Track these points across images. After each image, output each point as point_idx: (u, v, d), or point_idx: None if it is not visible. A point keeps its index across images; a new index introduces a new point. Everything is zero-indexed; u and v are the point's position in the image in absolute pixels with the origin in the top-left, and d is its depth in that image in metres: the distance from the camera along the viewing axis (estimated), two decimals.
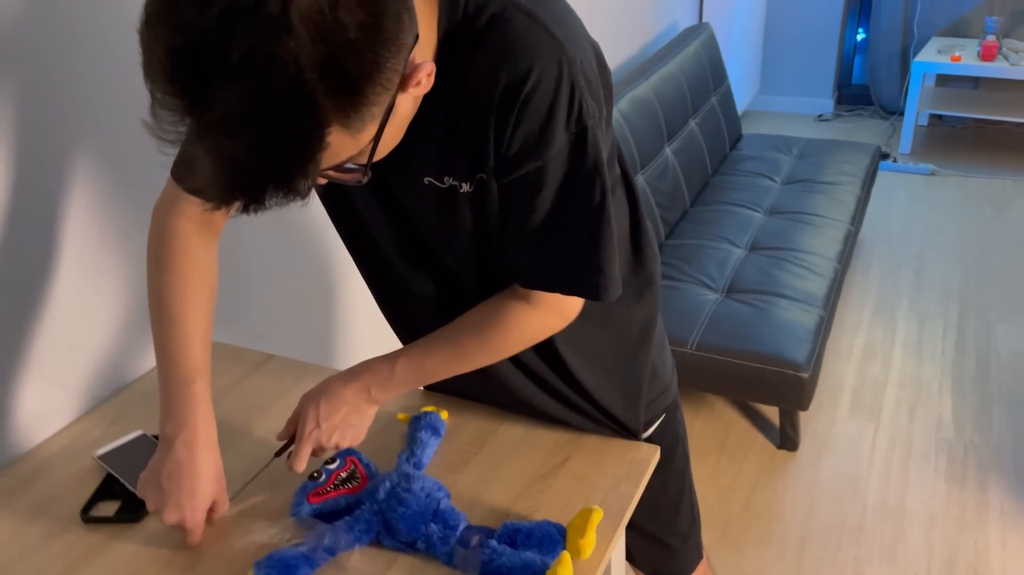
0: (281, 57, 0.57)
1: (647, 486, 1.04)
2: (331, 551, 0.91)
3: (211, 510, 0.95)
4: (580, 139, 0.81)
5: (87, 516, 0.99)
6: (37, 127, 1.07)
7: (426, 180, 0.88)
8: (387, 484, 0.95)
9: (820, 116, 4.78)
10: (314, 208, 1.60)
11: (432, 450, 1.06)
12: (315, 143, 0.63)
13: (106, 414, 1.19)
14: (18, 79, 1.03)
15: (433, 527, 0.92)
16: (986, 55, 3.95)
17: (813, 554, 1.92)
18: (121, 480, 1.03)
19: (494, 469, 1.05)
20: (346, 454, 1.03)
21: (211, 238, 1.01)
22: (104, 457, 1.07)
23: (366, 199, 0.96)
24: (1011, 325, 2.76)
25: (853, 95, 4.91)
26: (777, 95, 4.86)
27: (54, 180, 1.11)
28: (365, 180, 0.74)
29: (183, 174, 0.94)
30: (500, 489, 1.01)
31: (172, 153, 0.66)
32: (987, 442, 2.24)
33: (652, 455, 1.06)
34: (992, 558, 1.88)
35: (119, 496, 1.02)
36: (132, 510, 0.99)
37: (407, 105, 0.75)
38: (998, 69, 3.92)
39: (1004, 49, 4.02)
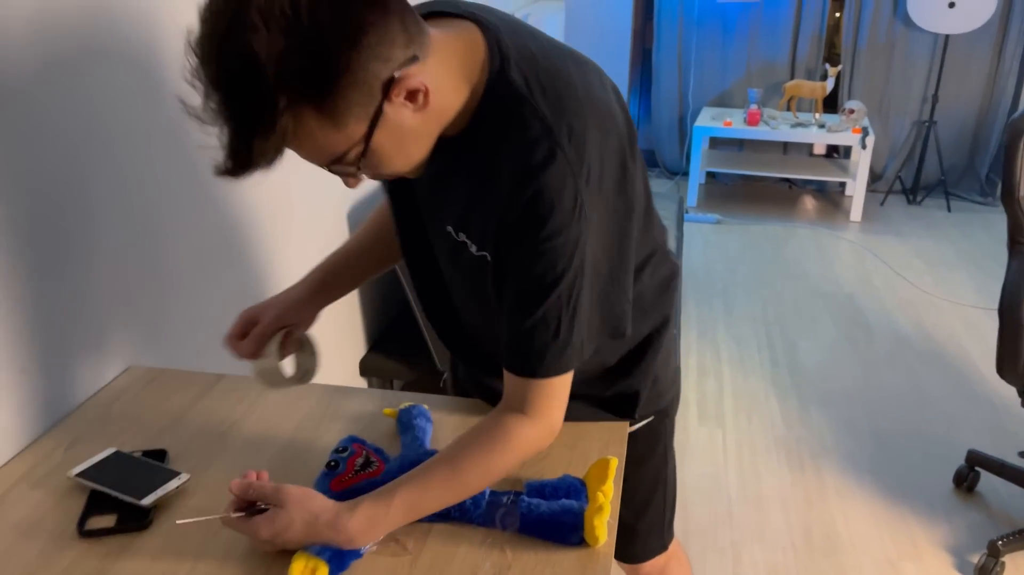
0: (238, 43, 0.71)
1: (626, 476, 1.12)
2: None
3: None
4: (569, 242, 0.86)
5: (85, 530, 0.93)
6: None
7: (447, 228, 0.97)
8: (411, 462, 0.99)
9: None
10: (240, 223, 1.60)
11: (429, 436, 1.11)
12: (267, 114, 0.73)
13: (60, 437, 1.11)
14: None
15: None
16: (751, 121, 4.63)
17: (697, 543, 2.11)
18: (112, 492, 0.97)
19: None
20: (351, 441, 1.05)
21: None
22: (83, 475, 1.00)
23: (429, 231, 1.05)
24: (808, 340, 3.22)
25: None
26: None
27: None
28: (356, 180, 0.87)
29: None
30: None
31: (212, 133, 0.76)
32: (811, 435, 2.60)
33: (624, 427, 1.16)
34: (839, 526, 2.18)
35: (113, 509, 0.96)
36: (134, 519, 0.94)
37: (407, 120, 0.81)
38: (762, 132, 4.60)
39: (764, 116, 4.72)
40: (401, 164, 0.87)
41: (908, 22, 4.60)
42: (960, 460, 2.37)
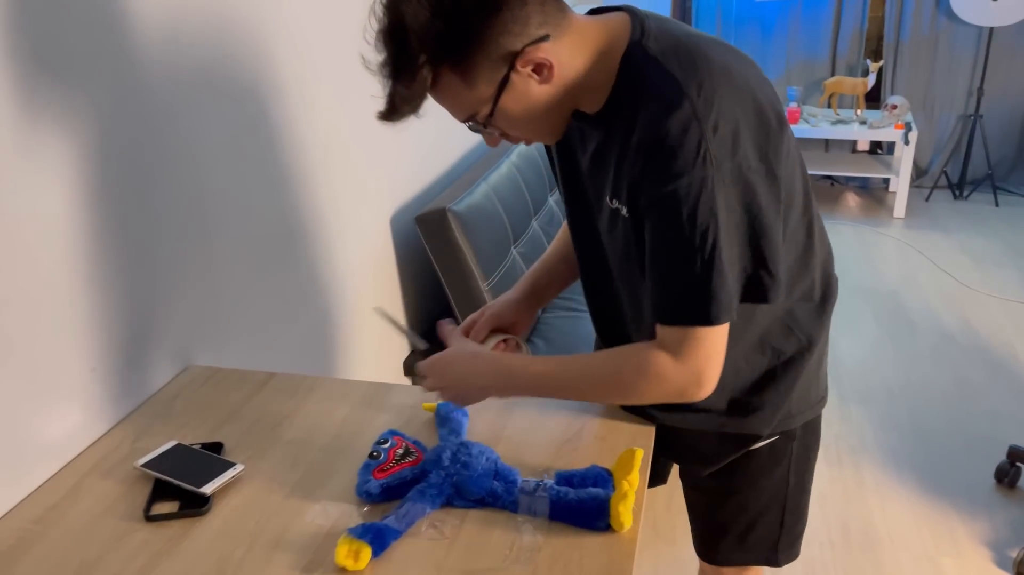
0: (396, 11, 0.88)
1: (741, 489, 1.25)
2: (412, 519, 1.00)
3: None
4: (695, 185, 0.88)
5: (150, 515, 1.01)
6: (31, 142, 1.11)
7: (606, 199, 1.02)
8: (448, 452, 1.06)
9: None
10: (296, 229, 1.67)
11: (465, 428, 1.18)
12: (409, 66, 0.88)
13: (127, 431, 1.20)
14: None
15: (496, 483, 1.04)
16: (791, 119, 4.61)
17: None
18: (175, 481, 1.06)
19: (525, 439, 1.17)
20: (391, 434, 1.12)
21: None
22: (148, 465, 1.09)
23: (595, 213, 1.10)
24: (849, 338, 3.21)
25: None
26: None
27: (62, 197, 1.14)
28: (493, 139, 1.02)
29: None
30: (536, 452, 1.13)
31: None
32: (851, 431, 2.60)
33: (650, 430, 1.19)
34: (877, 522, 2.19)
35: (176, 496, 1.05)
36: (195, 505, 1.03)
37: (533, 90, 0.93)
38: (802, 130, 4.58)
39: (804, 114, 4.70)
40: (526, 129, 1.00)
41: (951, 15, 4.54)
42: (1003, 456, 2.36)
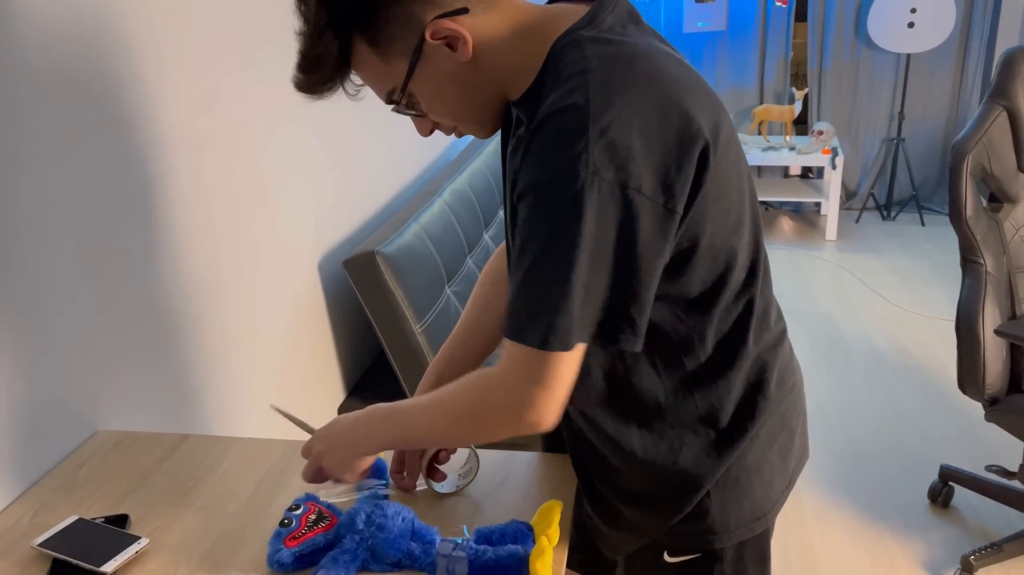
0: None
1: None
2: None
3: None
4: (566, 191, 0.77)
5: None
6: None
7: (513, 199, 0.89)
8: (362, 515, 1.02)
9: None
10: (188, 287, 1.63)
11: (385, 490, 1.14)
12: (314, 29, 0.85)
13: (27, 506, 1.14)
14: None
15: (413, 545, 1.01)
16: None
17: None
18: (73, 560, 1.00)
19: (444, 496, 1.14)
20: (306, 500, 1.08)
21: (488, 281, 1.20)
22: (45, 544, 1.03)
23: None
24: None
25: None
26: None
27: None
28: (423, 125, 0.95)
29: None
30: (457, 508, 1.11)
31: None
32: None
33: (573, 478, 1.16)
34: (816, 548, 2.21)
35: None
36: None
37: (447, 66, 0.86)
38: None
39: None
40: (447, 111, 0.92)
41: (870, 43, 4.71)
42: (935, 476, 2.40)
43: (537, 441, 1.27)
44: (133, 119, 1.41)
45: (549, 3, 0.93)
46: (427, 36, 0.84)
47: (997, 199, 2.05)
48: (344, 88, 0.93)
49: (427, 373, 1.19)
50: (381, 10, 0.84)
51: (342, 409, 2.33)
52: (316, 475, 1.06)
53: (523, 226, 0.82)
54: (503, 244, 1.13)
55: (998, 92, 1.98)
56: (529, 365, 0.83)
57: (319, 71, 0.88)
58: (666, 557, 1.05)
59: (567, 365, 0.84)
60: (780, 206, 5.29)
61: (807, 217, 5.11)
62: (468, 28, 0.85)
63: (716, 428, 0.97)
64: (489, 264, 1.22)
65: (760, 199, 4.99)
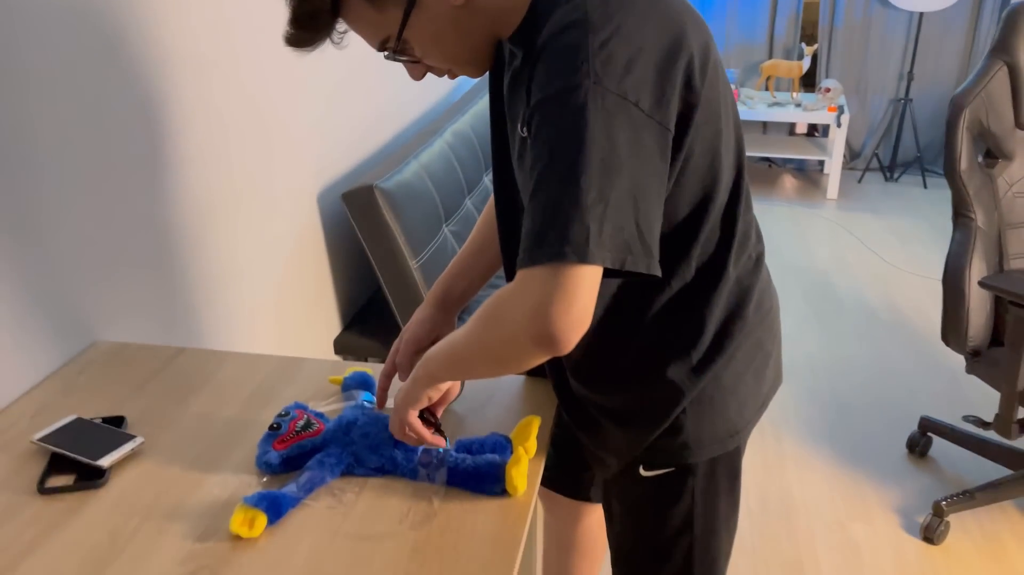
0: None
1: (641, 510, 1.13)
2: (309, 487, 1.01)
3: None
4: (571, 104, 0.78)
5: (45, 488, 1.01)
6: None
7: (520, 130, 0.89)
8: (348, 421, 1.07)
9: None
10: (184, 209, 1.65)
11: (372, 399, 1.19)
12: None
13: (26, 407, 1.19)
14: None
15: (396, 452, 1.05)
16: None
17: None
18: (71, 454, 1.05)
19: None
20: (295, 407, 1.13)
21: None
22: (44, 439, 1.08)
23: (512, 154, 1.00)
24: None
25: None
26: None
27: None
28: (416, 70, 0.95)
29: None
30: (442, 422, 1.15)
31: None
32: (774, 405, 2.68)
33: (553, 399, 1.20)
34: (794, 491, 2.27)
35: (71, 470, 1.04)
36: (90, 478, 1.02)
37: (444, 11, 0.88)
38: (739, 112, 4.65)
39: (742, 96, 4.78)
40: (442, 56, 0.93)
41: (883, 1, 4.64)
42: (915, 427, 2.45)
43: None
44: (139, 39, 1.42)
45: None
46: None
47: (993, 155, 2.07)
48: (331, 38, 0.93)
49: (435, 285, 1.23)
50: None
51: (338, 341, 2.37)
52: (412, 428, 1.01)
53: (532, 145, 0.82)
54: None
55: (1000, 47, 1.98)
56: (545, 280, 0.78)
57: (311, 27, 0.89)
58: (642, 471, 1.10)
59: (585, 281, 0.78)
60: (784, 163, 5.27)
61: (810, 175, 5.10)
62: None
63: (696, 346, 1.01)
64: (485, 215, 1.24)
65: (764, 156, 4.98)
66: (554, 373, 1.15)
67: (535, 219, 0.79)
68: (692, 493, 1.09)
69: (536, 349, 0.81)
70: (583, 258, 0.77)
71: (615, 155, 0.78)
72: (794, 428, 2.56)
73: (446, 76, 0.99)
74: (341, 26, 0.94)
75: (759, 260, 1.07)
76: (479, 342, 0.88)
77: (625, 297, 1.00)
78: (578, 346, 1.06)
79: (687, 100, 0.85)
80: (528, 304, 0.79)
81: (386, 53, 0.93)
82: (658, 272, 0.83)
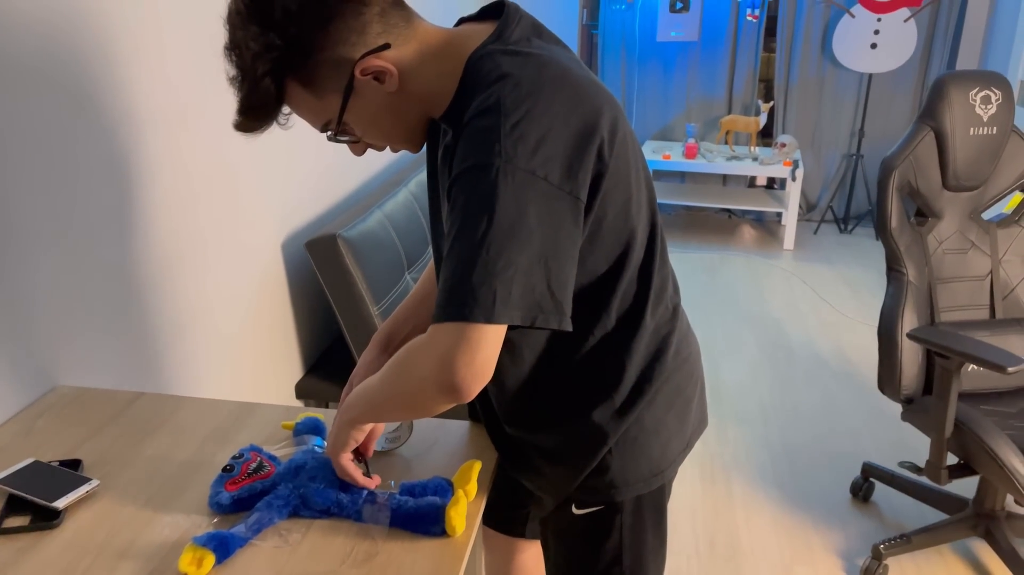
0: (232, 28, 0.93)
1: (577, 551, 1.21)
2: (258, 528, 1.06)
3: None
4: (484, 179, 0.86)
5: (0, 528, 1.05)
6: None
7: (446, 200, 0.97)
8: (296, 465, 1.12)
9: None
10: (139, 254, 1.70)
11: (323, 444, 1.24)
12: (251, 77, 0.93)
13: None
14: None
15: (342, 495, 1.11)
16: (689, 154, 4.85)
17: None
18: (27, 496, 1.09)
19: (377, 456, 1.24)
20: (250, 449, 1.18)
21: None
22: (2, 481, 1.12)
23: None
24: (731, 362, 3.39)
25: None
26: None
27: None
28: (357, 148, 1.03)
29: None
30: (389, 467, 1.21)
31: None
32: (726, 450, 2.76)
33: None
34: (741, 534, 2.34)
35: (28, 511, 1.08)
36: (46, 518, 1.07)
37: (378, 97, 0.96)
38: (699, 165, 4.82)
39: (702, 150, 4.95)
40: (381, 135, 1.02)
41: (835, 61, 4.87)
42: (859, 472, 2.54)
43: (465, 411, 1.37)
44: (107, 92, 1.49)
45: (456, 26, 1.04)
46: (357, 73, 0.94)
47: (923, 214, 2.19)
48: (277, 121, 1.01)
49: (380, 329, 1.29)
50: (313, 56, 0.92)
51: (299, 386, 2.42)
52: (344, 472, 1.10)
53: (450, 213, 0.90)
54: None
55: (927, 113, 2.12)
56: (451, 334, 0.87)
57: (259, 116, 0.97)
58: (574, 509, 1.17)
59: (488, 337, 0.87)
60: (743, 214, 5.44)
61: (768, 226, 5.26)
62: (392, 61, 0.95)
63: (619, 390, 1.09)
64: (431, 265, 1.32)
65: (725, 207, 5.14)
66: (488, 420, 1.22)
67: (448, 279, 0.88)
68: (620, 529, 1.17)
69: (441, 397, 0.91)
70: (488, 318, 0.86)
71: (524, 224, 0.87)
72: (745, 472, 2.63)
73: (387, 149, 1.08)
74: (286, 109, 1.01)
75: (676, 310, 1.16)
76: (391, 389, 0.97)
77: (554, 345, 1.09)
78: (513, 391, 1.14)
79: (597, 170, 0.94)
80: (435, 356, 0.89)
81: (328, 134, 1.01)
82: (569, 327, 0.92)
